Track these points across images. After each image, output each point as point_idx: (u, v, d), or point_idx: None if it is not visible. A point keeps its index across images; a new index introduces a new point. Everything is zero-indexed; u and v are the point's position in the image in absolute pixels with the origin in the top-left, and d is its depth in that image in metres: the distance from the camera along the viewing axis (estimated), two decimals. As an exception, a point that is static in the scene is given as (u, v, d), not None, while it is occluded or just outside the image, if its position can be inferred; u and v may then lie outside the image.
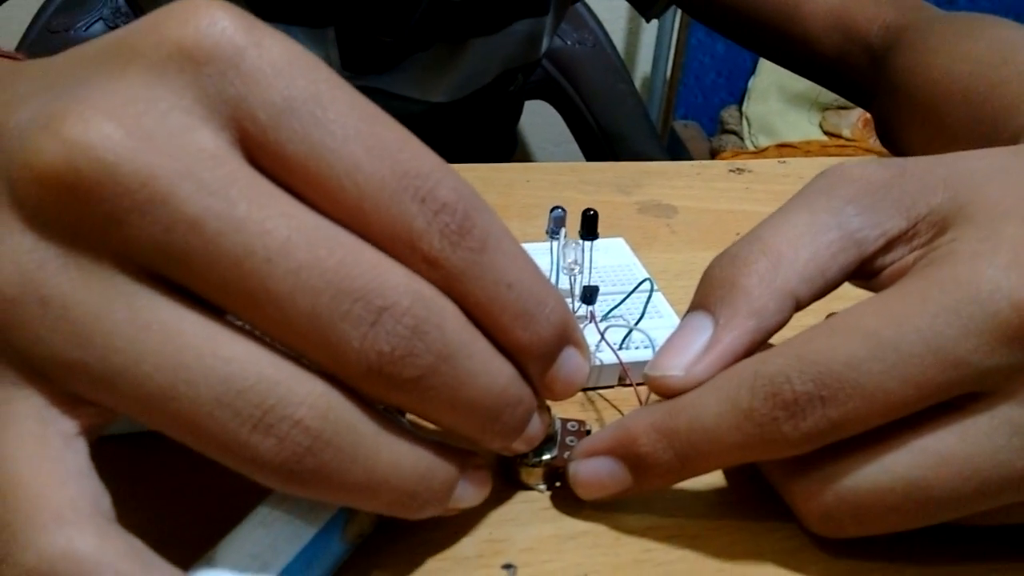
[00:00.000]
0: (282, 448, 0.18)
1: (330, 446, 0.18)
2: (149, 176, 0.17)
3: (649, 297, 0.31)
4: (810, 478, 0.22)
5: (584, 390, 0.30)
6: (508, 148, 0.86)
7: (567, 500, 0.25)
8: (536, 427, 0.22)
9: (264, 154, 0.18)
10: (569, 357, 0.22)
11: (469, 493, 0.22)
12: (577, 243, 0.30)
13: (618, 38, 1.69)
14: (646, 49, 1.74)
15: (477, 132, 0.73)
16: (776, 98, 1.66)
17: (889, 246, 0.24)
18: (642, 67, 1.76)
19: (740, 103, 1.74)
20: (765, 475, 0.25)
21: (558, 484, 0.25)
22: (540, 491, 0.25)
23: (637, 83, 1.75)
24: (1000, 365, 0.20)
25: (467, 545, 0.23)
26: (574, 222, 0.31)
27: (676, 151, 1.63)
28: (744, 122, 1.71)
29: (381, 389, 0.19)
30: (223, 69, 0.18)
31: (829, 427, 0.21)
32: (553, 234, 0.31)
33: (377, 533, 0.22)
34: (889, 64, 0.46)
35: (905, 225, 0.23)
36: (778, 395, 0.21)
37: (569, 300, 0.31)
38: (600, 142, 1.10)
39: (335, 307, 0.18)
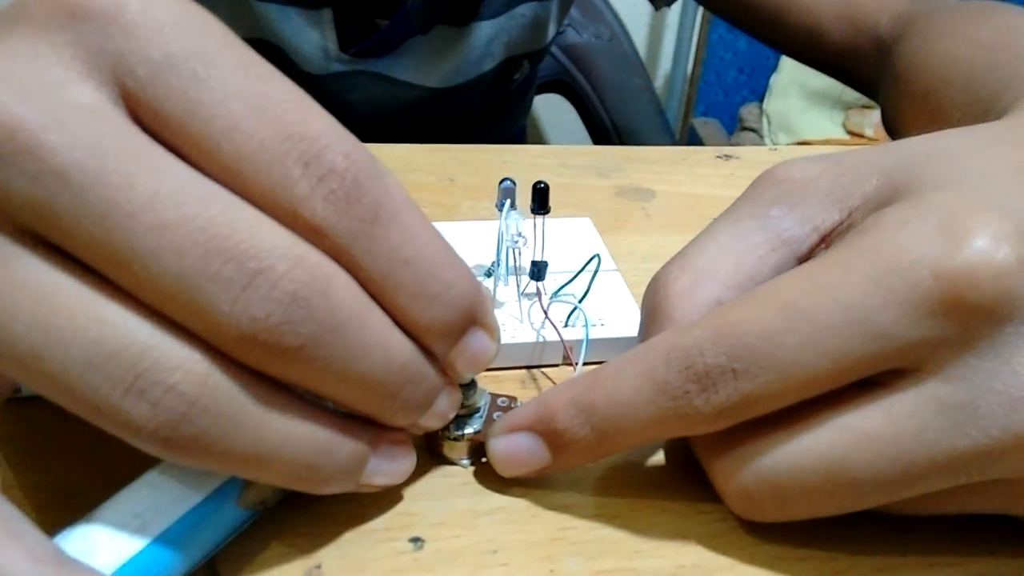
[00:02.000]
0: (155, 414, 0.17)
1: (207, 413, 0.17)
2: (15, 128, 0.17)
3: (595, 273, 0.30)
4: (730, 456, 0.21)
5: (527, 367, 0.29)
6: (517, 142, 0.85)
7: (490, 477, 0.24)
8: (444, 404, 0.22)
9: (144, 111, 0.18)
10: (475, 339, 0.21)
11: (385, 469, 0.21)
12: (519, 213, 0.29)
13: (640, 35, 1.67)
14: (667, 46, 1.72)
15: (483, 122, 0.72)
16: (797, 96, 1.64)
17: (825, 240, 0.23)
18: (663, 64, 1.75)
19: (761, 101, 1.71)
20: (695, 454, 0.24)
21: (484, 460, 0.25)
22: (463, 466, 0.25)
23: (658, 80, 1.73)
24: (924, 338, 0.19)
25: (376, 517, 0.22)
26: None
27: (695, 148, 1.61)
28: (764, 119, 1.68)
29: (260, 358, 0.18)
30: (104, 25, 0.18)
31: (742, 402, 0.20)
32: (500, 206, 0.30)
33: (284, 502, 0.22)
34: (895, 52, 0.45)
35: (839, 217, 0.23)
36: (691, 367, 0.20)
37: (513, 275, 0.30)
38: (612, 137, 1.09)
39: (202, 268, 0.17)
